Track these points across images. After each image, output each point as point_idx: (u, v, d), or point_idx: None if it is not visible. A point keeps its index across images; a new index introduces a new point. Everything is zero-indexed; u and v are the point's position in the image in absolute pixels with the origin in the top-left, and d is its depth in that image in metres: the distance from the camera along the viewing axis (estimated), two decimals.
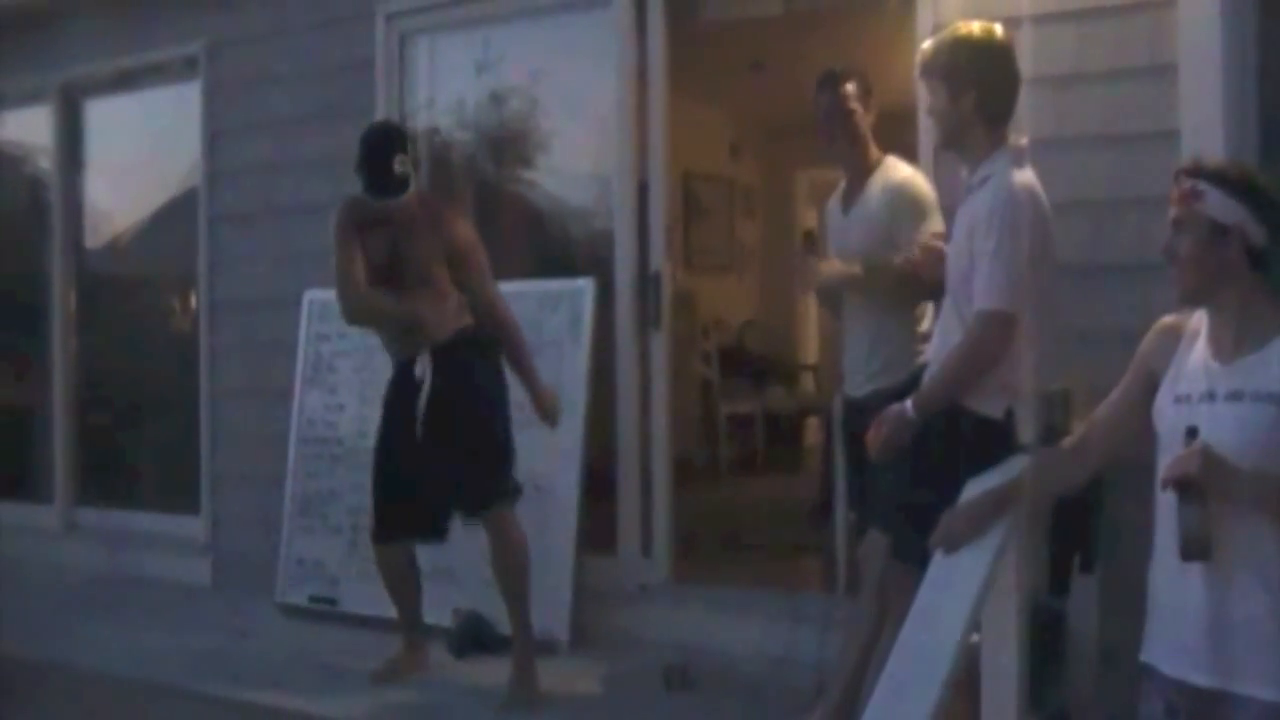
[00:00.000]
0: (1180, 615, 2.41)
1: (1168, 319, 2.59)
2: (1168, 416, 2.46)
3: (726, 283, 10.19)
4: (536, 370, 4.67)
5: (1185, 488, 2.28)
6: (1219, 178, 2.44)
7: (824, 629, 4.21)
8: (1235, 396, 2.36)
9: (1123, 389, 2.63)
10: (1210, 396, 2.39)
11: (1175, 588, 2.41)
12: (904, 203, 3.91)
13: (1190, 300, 2.51)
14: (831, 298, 4.25)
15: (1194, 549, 2.28)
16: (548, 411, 4.68)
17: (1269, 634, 2.29)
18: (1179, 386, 2.47)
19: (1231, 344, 2.42)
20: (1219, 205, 2.41)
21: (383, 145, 4.48)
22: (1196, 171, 2.46)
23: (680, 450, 5.81)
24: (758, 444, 9.63)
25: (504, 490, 4.49)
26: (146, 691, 4.87)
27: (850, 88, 4.04)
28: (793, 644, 4.45)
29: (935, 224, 3.87)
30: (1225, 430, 2.34)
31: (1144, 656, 2.50)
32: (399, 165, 4.42)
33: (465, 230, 4.65)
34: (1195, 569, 2.33)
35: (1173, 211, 2.48)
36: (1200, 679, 2.36)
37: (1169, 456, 2.38)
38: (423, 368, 4.49)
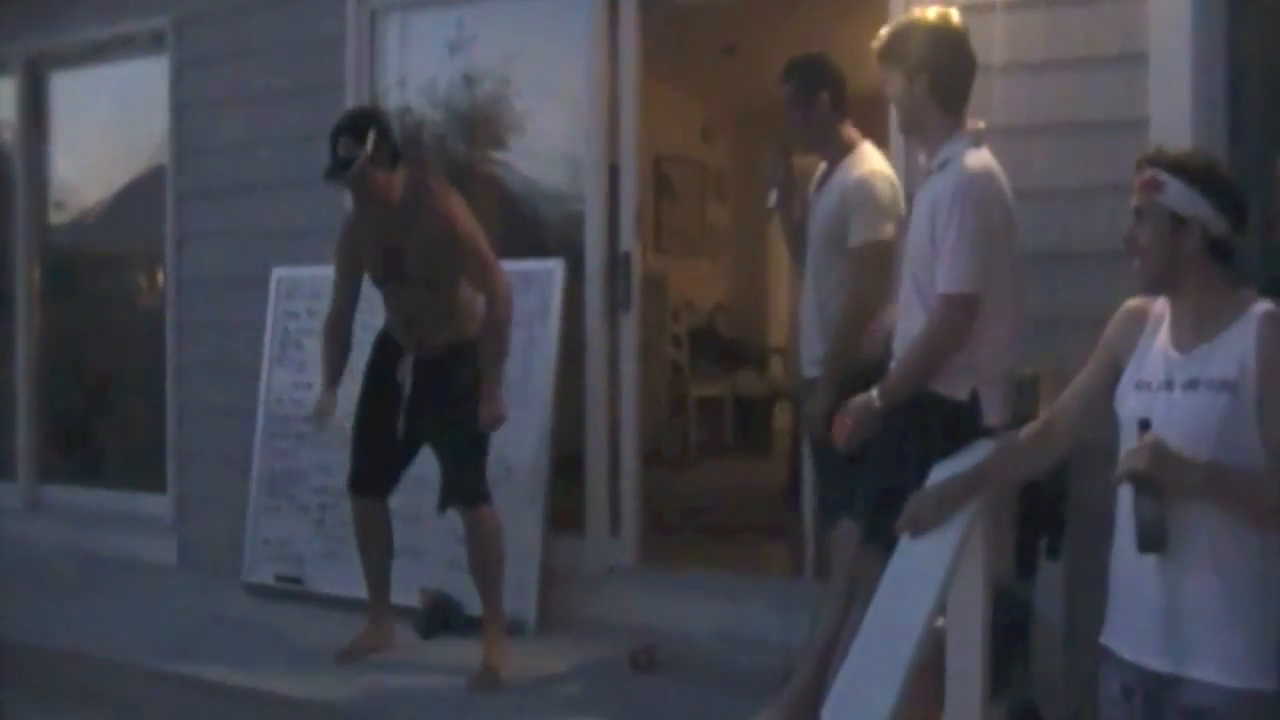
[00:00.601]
0: (1138, 601, 2.43)
1: (1133, 302, 2.59)
2: (1129, 403, 2.47)
3: (697, 266, 10.20)
4: (498, 385, 4.45)
5: (1139, 481, 2.29)
6: (1180, 167, 2.42)
7: (791, 611, 4.22)
8: (1191, 385, 2.36)
9: (1087, 373, 2.64)
10: (1168, 385, 2.40)
11: (1133, 574, 2.43)
12: (854, 204, 3.90)
13: (1150, 289, 2.51)
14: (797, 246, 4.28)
15: (1150, 541, 2.30)
16: (484, 424, 4.45)
17: (1222, 620, 2.31)
18: (1141, 373, 2.48)
19: (1191, 332, 2.42)
20: (1179, 196, 2.40)
21: (338, 124, 4.43)
22: (1158, 160, 2.44)
23: (650, 434, 5.81)
24: (727, 426, 9.65)
25: (475, 490, 4.48)
26: (111, 670, 4.85)
27: (799, 80, 4.05)
28: (760, 626, 4.47)
29: (881, 229, 3.86)
30: (1181, 419, 2.35)
31: (1103, 639, 2.53)
32: (342, 148, 4.34)
33: (445, 216, 4.39)
34: (1144, 558, 2.35)
35: (1134, 200, 2.47)
36: (1155, 663, 2.39)
37: (1128, 444, 2.39)
38: (403, 373, 4.55)
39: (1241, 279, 2.49)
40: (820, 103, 4.02)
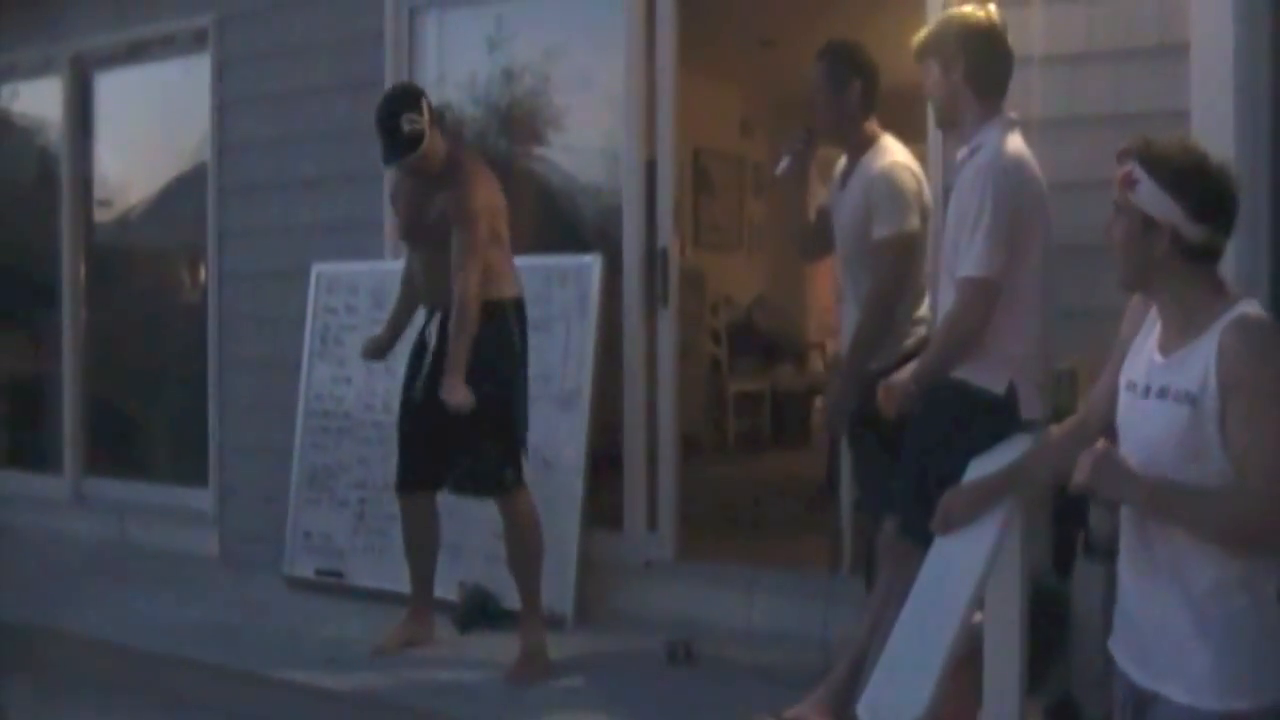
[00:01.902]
0: (1124, 611, 2.40)
1: (1139, 295, 2.48)
2: (1120, 401, 2.41)
3: (735, 260, 10.18)
4: (458, 361, 4.32)
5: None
6: (1158, 165, 2.25)
7: (830, 606, 4.21)
8: (1161, 393, 2.27)
9: (1110, 366, 2.56)
10: (1146, 390, 2.32)
11: (1124, 584, 2.40)
12: (877, 196, 3.87)
13: (1127, 287, 2.40)
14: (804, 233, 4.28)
15: (1096, 549, 2.27)
16: (446, 399, 4.35)
17: (1188, 638, 2.24)
18: (1130, 371, 2.40)
19: (1173, 335, 2.30)
20: (1151, 197, 2.25)
21: (390, 107, 4.45)
22: (1140, 154, 2.28)
23: (688, 428, 5.81)
24: (765, 422, 9.63)
25: (500, 477, 4.44)
26: (152, 661, 4.90)
27: (832, 63, 4.02)
28: (797, 621, 4.46)
29: (906, 222, 3.85)
30: (1148, 427, 2.29)
31: (1109, 643, 2.47)
32: (407, 124, 4.37)
33: (468, 194, 4.40)
34: (1128, 571, 2.32)
35: (1114, 193, 2.33)
36: (1136, 676, 2.34)
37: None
38: (431, 332, 4.53)
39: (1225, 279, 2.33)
40: (851, 90, 3.98)
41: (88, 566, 6.40)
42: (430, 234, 4.46)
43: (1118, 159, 2.31)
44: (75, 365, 7.35)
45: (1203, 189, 2.25)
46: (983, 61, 3.38)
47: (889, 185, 3.86)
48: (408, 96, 4.52)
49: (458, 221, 4.37)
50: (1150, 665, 2.31)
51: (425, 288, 4.61)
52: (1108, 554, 2.24)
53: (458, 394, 4.28)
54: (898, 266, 3.83)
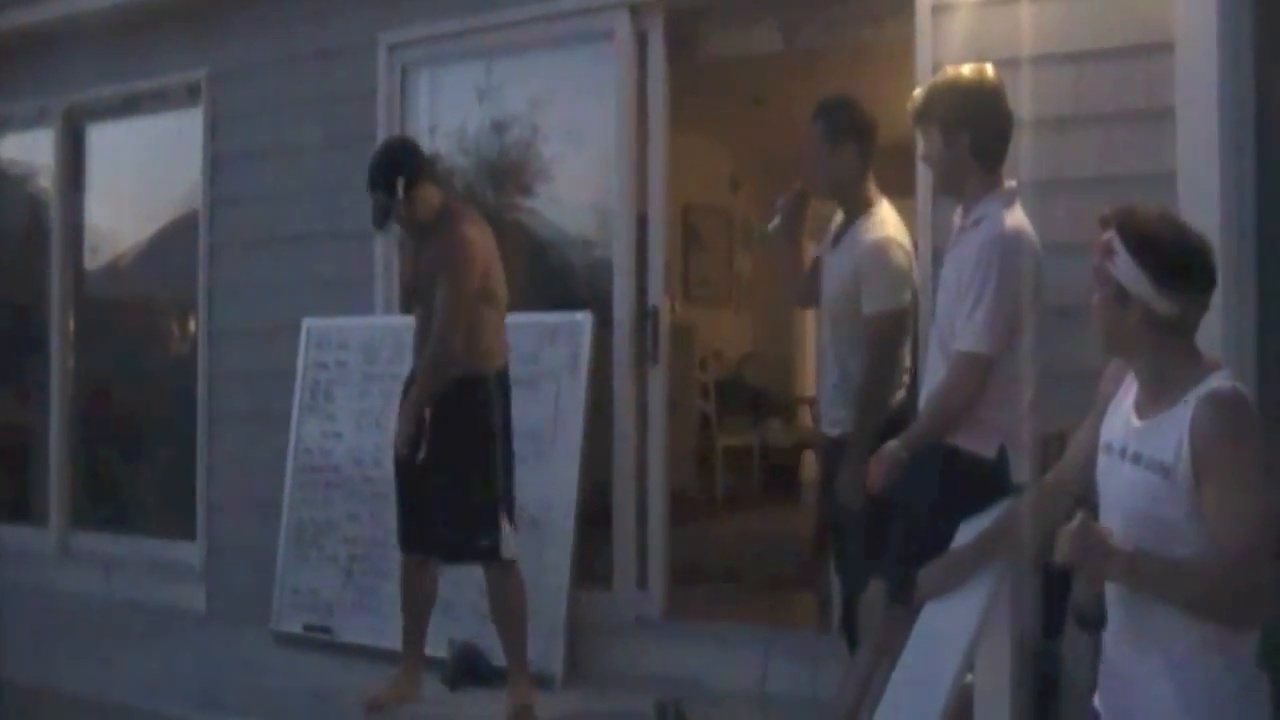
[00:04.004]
0: (1109, 673, 2.41)
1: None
2: (1099, 462, 2.42)
3: (724, 315, 10.21)
4: (408, 410, 4.44)
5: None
6: (1134, 237, 2.27)
7: (819, 665, 4.20)
8: (1136, 459, 2.29)
9: (1088, 424, 2.57)
10: (1122, 453, 2.33)
11: (1106, 645, 2.40)
12: (868, 271, 3.89)
13: (1107, 352, 2.43)
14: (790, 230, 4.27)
15: (1084, 621, 2.28)
16: (394, 445, 4.52)
17: (1167, 702, 2.25)
18: (1107, 432, 2.42)
19: (1149, 399, 2.33)
20: (1125, 269, 2.27)
21: (374, 173, 4.49)
22: (1116, 222, 2.30)
23: (677, 485, 5.80)
24: (754, 477, 9.62)
25: (480, 546, 4.44)
26: (137, 718, 4.85)
27: (828, 123, 4.03)
28: (787, 680, 4.44)
29: (897, 298, 3.86)
30: (1121, 492, 2.31)
31: (1095, 701, 2.48)
32: (376, 204, 4.45)
33: (459, 243, 4.42)
34: (1111, 632, 2.33)
35: (1092, 259, 2.35)
36: None
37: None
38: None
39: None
40: (847, 148, 4.00)
41: (73, 620, 6.35)
42: (426, 286, 4.46)
43: (1100, 225, 2.33)
44: (63, 416, 7.32)
45: (1171, 263, 2.26)
46: (988, 134, 3.36)
47: (881, 261, 3.87)
48: (391, 161, 4.52)
49: (446, 268, 4.38)
50: None
51: (419, 347, 4.60)
52: (1095, 624, 2.25)
53: (402, 442, 4.41)
54: (888, 343, 3.85)
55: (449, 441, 4.41)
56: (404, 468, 4.57)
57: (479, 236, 4.50)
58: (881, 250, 3.87)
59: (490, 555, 4.44)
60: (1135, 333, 2.29)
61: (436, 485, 4.43)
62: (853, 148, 4.00)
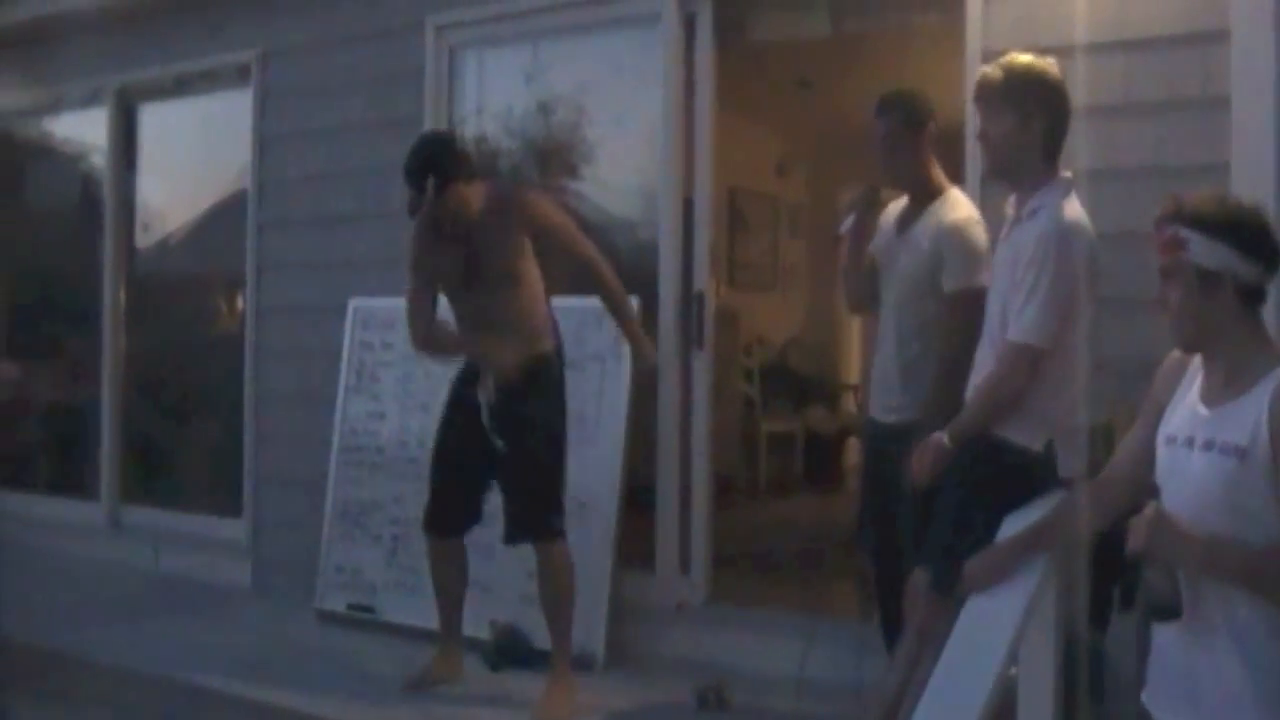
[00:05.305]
0: (1166, 665, 2.39)
1: (1176, 353, 2.52)
2: (1160, 456, 2.42)
3: (770, 300, 10.17)
4: (635, 327, 4.79)
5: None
6: (1200, 221, 2.32)
7: (862, 654, 4.19)
8: (1208, 446, 2.29)
9: (1138, 426, 2.59)
10: (1190, 443, 2.34)
11: (1163, 637, 2.39)
12: (951, 250, 3.84)
13: (1190, 349, 2.44)
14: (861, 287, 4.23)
15: (1162, 613, 2.27)
16: (639, 367, 4.90)
17: (1240, 693, 2.24)
18: (1170, 425, 2.42)
19: (1220, 388, 2.34)
20: (1204, 250, 2.31)
21: (406, 169, 4.47)
22: (1177, 216, 2.34)
23: (720, 470, 5.80)
24: (797, 463, 9.60)
25: (549, 526, 4.48)
26: (182, 693, 4.90)
27: (905, 115, 4.00)
28: (830, 668, 4.43)
29: (979, 277, 3.82)
30: (1193, 481, 2.30)
31: (1143, 697, 2.47)
32: (409, 199, 4.44)
33: (541, 208, 4.65)
34: (1170, 628, 2.32)
35: (1159, 260, 2.37)
36: None
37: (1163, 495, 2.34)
38: (485, 395, 4.52)
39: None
40: (922, 139, 3.97)
41: (121, 594, 6.43)
42: (499, 271, 4.48)
43: (1155, 226, 2.36)
44: (114, 393, 7.41)
45: (1247, 229, 2.32)
46: (1058, 121, 3.34)
47: (964, 240, 3.82)
48: (423, 159, 4.45)
49: (547, 230, 4.58)
50: (1199, 717, 2.30)
51: (474, 341, 4.60)
52: (1173, 613, 2.23)
53: (646, 361, 4.82)
54: (970, 320, 3.78)
55: (531, 418, 4.45)
56: (452, 443, 4.60)
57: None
58: (965, 229, 3.84)
59: (557, 535, 4.48)
60: (1228, 313, 2.32)
61: (518, 463, 4.45)
62: (927, 136, 3.98)
